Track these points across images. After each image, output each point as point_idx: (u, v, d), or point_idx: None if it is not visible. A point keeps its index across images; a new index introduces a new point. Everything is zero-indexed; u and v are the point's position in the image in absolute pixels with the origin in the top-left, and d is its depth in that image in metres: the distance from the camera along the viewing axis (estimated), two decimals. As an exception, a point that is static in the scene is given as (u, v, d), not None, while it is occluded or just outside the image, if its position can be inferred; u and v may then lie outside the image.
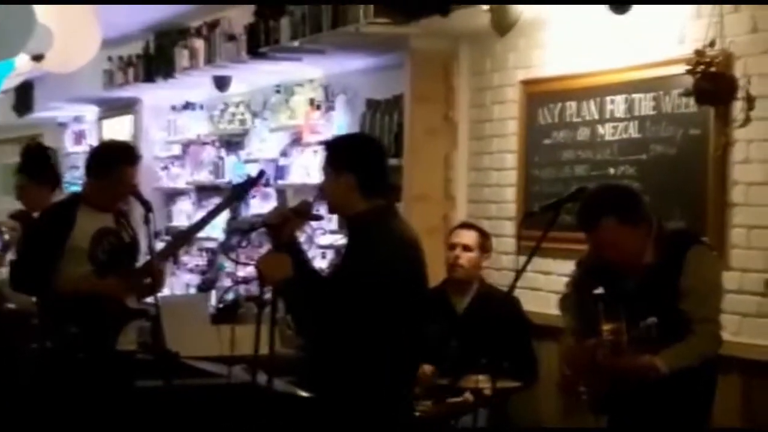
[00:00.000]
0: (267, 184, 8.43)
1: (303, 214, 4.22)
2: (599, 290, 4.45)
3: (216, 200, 9.26)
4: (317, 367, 4.18)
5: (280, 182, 8.42)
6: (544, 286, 6.10)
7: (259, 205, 8.61)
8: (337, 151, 4.19)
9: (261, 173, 6.04)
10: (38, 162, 6.47)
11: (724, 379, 4.58)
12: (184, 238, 6.34)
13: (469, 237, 5.97)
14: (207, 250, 9.38)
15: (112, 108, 10.94)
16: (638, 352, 4.19)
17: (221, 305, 6.72)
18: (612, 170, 5.72)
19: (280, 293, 4.05)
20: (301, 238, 7.16)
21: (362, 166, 4.09)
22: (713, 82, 4.99)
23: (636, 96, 5.59)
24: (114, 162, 5.39)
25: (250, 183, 5.99)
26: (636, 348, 4.18)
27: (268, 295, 4.09)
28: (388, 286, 3.95)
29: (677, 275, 4.28)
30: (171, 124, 10.14)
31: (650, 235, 4.38)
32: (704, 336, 4.27)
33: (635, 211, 4.36)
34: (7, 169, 13.55)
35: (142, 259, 5.53)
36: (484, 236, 6.04)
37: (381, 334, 3.98)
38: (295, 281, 3.99)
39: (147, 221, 4.98)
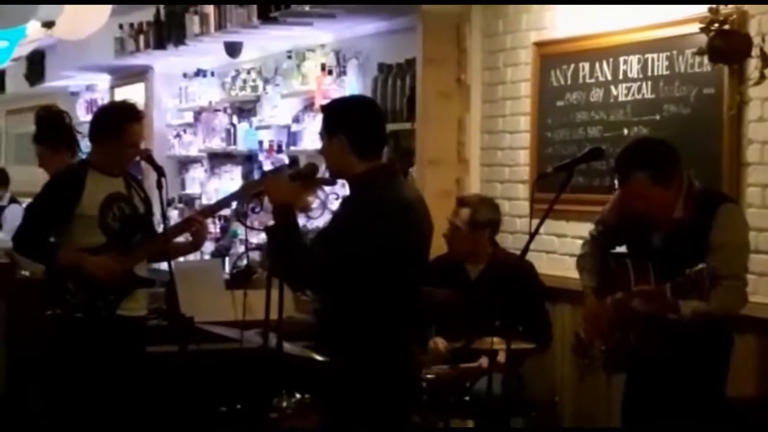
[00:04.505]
0: (279, 151, 8.41)
1: (306, 176, 4.27)
2: (622, 249, 4.46)
3: (228, 167, 9.34)
4: (327, 331, 4.20)
5: (292, 148, 8.40)
6: (559, 249, 6.09)
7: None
8: (330, 113, 4.23)
9: (293, 160, 5.98)
10: (51, 128, 6.37)
11: (740, 338, 4.59)
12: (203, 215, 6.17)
13: (457, 215, 5.80)
14: (221, 217, 9.37)
15: (124, 76, 10.90)
16: (686, 299, 4.16)
17: (235, 270, 6.71)
18: (626, 131, 5.69)
19: (269, 234, 4.08)
20: (314, 203, 7.16)
21: (353, 126, 4.10)
22: (727, 40, 4.94)
23: (650, 56, 5.55)
24: (118, 121, 5.26)
25: (279, 171, 5.94)
26: (684, 296, 4.14)
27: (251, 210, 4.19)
28: (377, 244, 3.96)
29: (707, 231, 4.30)
30: (183, 92, 10.11)
31: (681, 191, 4.38)
32: (730, 291, 4.28)
33: (669, 170, 4.36)
34: (20, 139, 13.57)
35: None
36: (479, 213, 5.78)
37: (374, 293, 4.01)
38: (285, 226, 4.04)
39: (159, 186, 4.96)
